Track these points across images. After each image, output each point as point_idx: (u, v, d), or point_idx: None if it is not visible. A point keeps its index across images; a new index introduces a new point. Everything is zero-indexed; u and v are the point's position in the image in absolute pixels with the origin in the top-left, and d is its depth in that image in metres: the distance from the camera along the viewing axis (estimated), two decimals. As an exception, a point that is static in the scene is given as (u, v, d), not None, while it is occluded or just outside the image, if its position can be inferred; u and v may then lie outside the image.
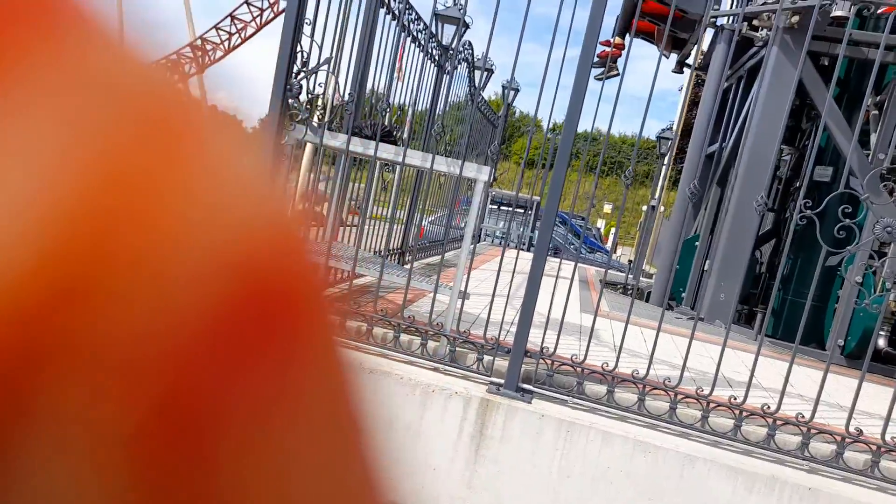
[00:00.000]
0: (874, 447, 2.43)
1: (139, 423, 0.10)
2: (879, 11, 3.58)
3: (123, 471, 0.10)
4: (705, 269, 5.13)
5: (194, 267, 0.11)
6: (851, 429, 2.45)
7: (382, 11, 4.34)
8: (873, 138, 5.12)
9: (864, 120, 5.47)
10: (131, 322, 0.10)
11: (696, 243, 5.35)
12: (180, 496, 0.11)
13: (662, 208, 11.61)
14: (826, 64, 5.51)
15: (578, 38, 2.69)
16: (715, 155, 5.67)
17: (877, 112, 5.26)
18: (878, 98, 5.32)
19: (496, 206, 11.89)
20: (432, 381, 2.64)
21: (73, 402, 0.10)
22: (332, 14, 3.16)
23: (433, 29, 5.86)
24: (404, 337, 2.85)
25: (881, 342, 4.60)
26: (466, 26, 5.54)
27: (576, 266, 2.89)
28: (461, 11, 5.38)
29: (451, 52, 5.24)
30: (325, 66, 3.10)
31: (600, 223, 23.75)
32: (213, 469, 0.11)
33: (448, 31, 6.13)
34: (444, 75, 5.69)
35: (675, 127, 10.73)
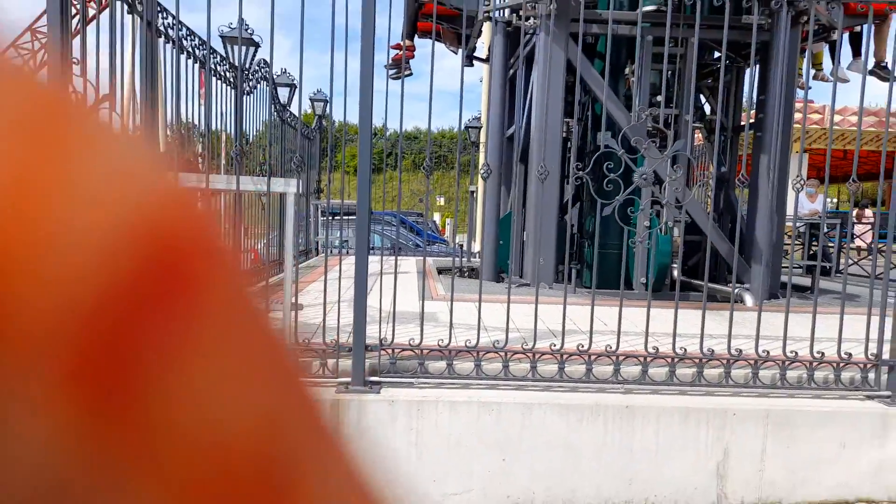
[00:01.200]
0: (669, 360, 2.87)
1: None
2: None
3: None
4: (524, 240, 5.59)
5: (80, 257, 0.11)
6: (650, 349, 2.87)
7: (161, 40, 4.21)
8: (636, 102, 5.88)
9: (626, 87, 6.27)
10: (24, 315, 0.10)
11: (512, 219, 5.81)
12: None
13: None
14: (591, 41, 6.24)
15: (380, 44, 2.83)
16: (514, 136, 6.17)
17: (635, 79, 6.04)
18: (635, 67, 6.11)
19: (331, 217, 11.84)
20: (279, 397, 2.65)
21: None
22: (104, 49, 3.03)
23: (224, 52, 5.75)
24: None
25: (675, 273, 5.33)
26: (256, 45, 5.51)
27: (396, 260, 3.06)
28: (249, 31, 5.35)
29: (244, 72, 5.20)
30: (106, 105, 2.97)
31: (436, 216, 24.54)
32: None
33: (248, 53, 6.05)
34: (243, 96, 5.62)
35: (482, 117, 11.44)
